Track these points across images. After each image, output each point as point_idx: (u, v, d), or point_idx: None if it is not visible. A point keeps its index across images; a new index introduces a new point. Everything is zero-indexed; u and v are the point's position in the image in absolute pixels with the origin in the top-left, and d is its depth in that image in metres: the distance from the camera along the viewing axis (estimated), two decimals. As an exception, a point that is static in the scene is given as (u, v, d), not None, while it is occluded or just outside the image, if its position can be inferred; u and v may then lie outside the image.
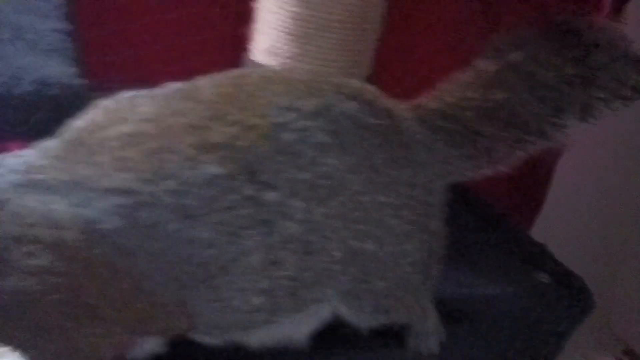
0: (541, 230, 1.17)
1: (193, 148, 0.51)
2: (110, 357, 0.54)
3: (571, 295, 0.86)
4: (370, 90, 0.63)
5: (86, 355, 0.52)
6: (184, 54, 1.07)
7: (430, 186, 0.62)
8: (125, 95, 0.59)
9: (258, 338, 0.61)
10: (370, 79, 0.87)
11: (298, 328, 0.62)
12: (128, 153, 0.51)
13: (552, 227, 1.19)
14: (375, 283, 0.60)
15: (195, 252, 0.50)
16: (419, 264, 0.62)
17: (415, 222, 0.60)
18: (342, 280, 0.58)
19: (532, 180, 1.24)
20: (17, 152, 0.57)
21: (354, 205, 0.55)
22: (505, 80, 0.69)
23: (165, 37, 1.03)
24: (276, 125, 0.53)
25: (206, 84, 0.58)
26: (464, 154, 0.67)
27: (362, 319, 0.64)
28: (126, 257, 0.49)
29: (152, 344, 0.57)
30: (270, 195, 0.51)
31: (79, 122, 0.57)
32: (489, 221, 1.01)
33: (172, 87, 0.59)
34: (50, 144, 0.55)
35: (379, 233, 0.57)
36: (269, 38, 0.90)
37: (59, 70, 0.66)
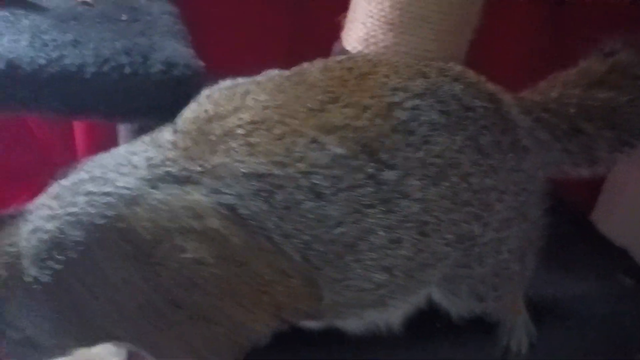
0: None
1: (315, 130, 0.52)
2: (251, 344, 0.55)
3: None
4: (473, 74, 0.64)
5: (232, 342, 0.53)
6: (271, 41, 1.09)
7: (532, 174, 0.63)
8: (225, 84, 0.60)
9: (360, 321, 0.63)
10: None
11: (395, 312, 0.64)
12: (256, 139, 0.52)
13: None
14: (474, 268, 0.61)
15: (326, 230, 0.52)
16: (517, 252, 0.63)
17: (516, 209, 0.61)
18: (446, 263, 0.59)
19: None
20: (133, 148, 0.56)
21: (463, 187, 0.56)
22: (613, 80, 0.69)
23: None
24: (390, 104, 0.54)
25: (314, 69, 0.59)
26: (564, 148, 0.67)
27: (456, 305, 0.65)
28: (264, 241, 0.51)
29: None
30: (389, 174, 0.53)
31: (190, 113, 0.58)
32: (568, 219, 1.00)
33: (275, 74, 0.60)
34: (165, 137, 0.56)
35: (485, 216, 0.58)
36: (364, 27, 0.91)
37: (180, 51, 0.69)
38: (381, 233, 0.53)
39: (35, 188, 0.55)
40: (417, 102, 0.55)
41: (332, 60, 0.62)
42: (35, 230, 0.48)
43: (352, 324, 0.63)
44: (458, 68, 0.64)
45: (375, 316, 0.62)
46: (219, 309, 0.50)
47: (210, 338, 0.52)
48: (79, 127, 1.03)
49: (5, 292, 0.49)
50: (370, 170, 0.53)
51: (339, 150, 0.52)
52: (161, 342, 0.49)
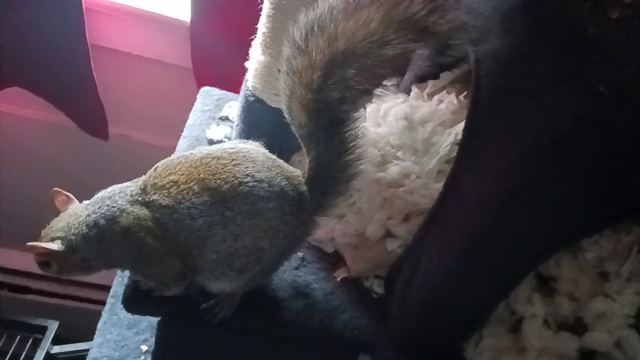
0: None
1: (200, 188, 0.95)
2: (177, 275, 1.01)
3: None
4: (299, 175, 1.04)
5: (168, 272, 1.00)
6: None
7: (292, 225, 1.01)
8: (166, 160, 1.01)
9: (214, 285, 1.03)
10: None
11: (224, 283, 1.04)
12: (172, 190, 0.96)
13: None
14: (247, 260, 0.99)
15: (194, 232, 0.95)
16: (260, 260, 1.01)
17: (274, 236, 0.99)
18: (240, 257, 1.00)
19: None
20: (128, 184, 1.00)
21: (265, 224, 0.97)
22: None
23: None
24: (240, 182, 0.95)
25: (212, 158, 0.97)
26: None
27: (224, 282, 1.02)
28: (169, 234, 0.96)
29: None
30: (228, 213, 0.95)
31: (149, 173, 1.01)
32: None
33: (193, 157, 0.98)
34: (140, 181, 1.00)
35: (268, 236, 0.98)
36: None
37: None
38: (218, 237, 0.95)
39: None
40: (256, 184, 0.95)
41: (221, 151, 1.00)
42: (89, 215, 0.97)
43: (212, 287, 1.04)
44: (291, 170, 1.03)
45: (219, 285, 1.03)
46: (158, 259, 0.98)
47: (161, 271, 1.01)
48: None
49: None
50: (220, 209, 0.94)
51: (208, 199, 0.94)
52: (146, 271, 1.01)
